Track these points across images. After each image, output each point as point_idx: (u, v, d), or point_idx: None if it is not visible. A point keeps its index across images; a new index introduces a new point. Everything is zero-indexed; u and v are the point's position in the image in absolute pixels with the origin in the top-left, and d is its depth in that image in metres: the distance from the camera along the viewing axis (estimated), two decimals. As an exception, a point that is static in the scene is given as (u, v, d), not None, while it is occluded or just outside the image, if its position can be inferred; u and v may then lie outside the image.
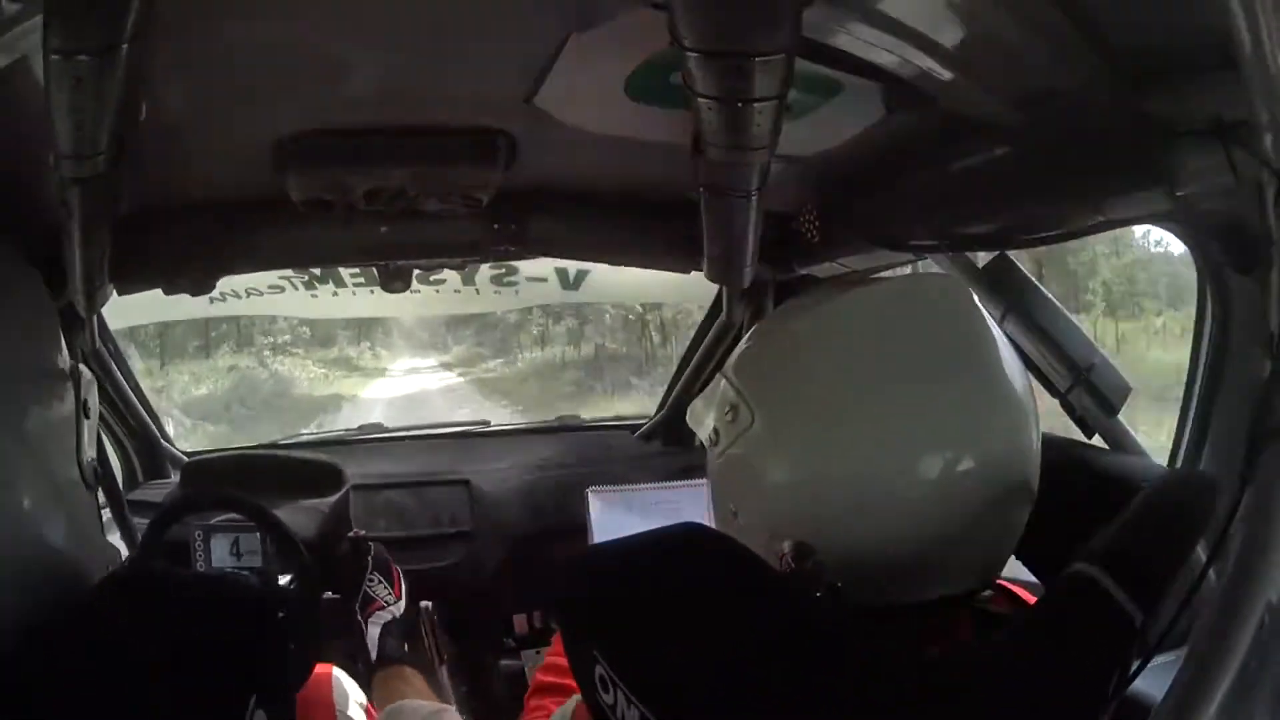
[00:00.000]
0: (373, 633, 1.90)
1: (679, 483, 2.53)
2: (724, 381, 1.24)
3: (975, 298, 1.18)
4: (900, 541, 1.08)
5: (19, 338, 1.04)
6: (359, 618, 1.91)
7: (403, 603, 1.98)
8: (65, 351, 1.10)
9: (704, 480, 1.33)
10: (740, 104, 1.30)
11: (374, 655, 1.88)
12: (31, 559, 0.99)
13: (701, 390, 1.34)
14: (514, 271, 2.80)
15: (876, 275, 1.68)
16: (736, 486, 1.21)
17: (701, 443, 1.31)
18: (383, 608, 1.94)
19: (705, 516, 1.32)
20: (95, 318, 2.38)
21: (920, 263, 1.84)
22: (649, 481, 2.76)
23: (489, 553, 2.78)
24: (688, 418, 1.33)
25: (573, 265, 2.80)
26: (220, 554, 2.21)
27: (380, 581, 1.97)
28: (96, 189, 1.41)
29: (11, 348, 1.02)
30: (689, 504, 2.46)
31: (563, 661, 1.48)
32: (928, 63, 1.31)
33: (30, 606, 0.98)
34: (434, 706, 1.66)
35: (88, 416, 1.12)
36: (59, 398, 1.06)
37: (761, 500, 1.15)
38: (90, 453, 1.13)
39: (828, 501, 1.09)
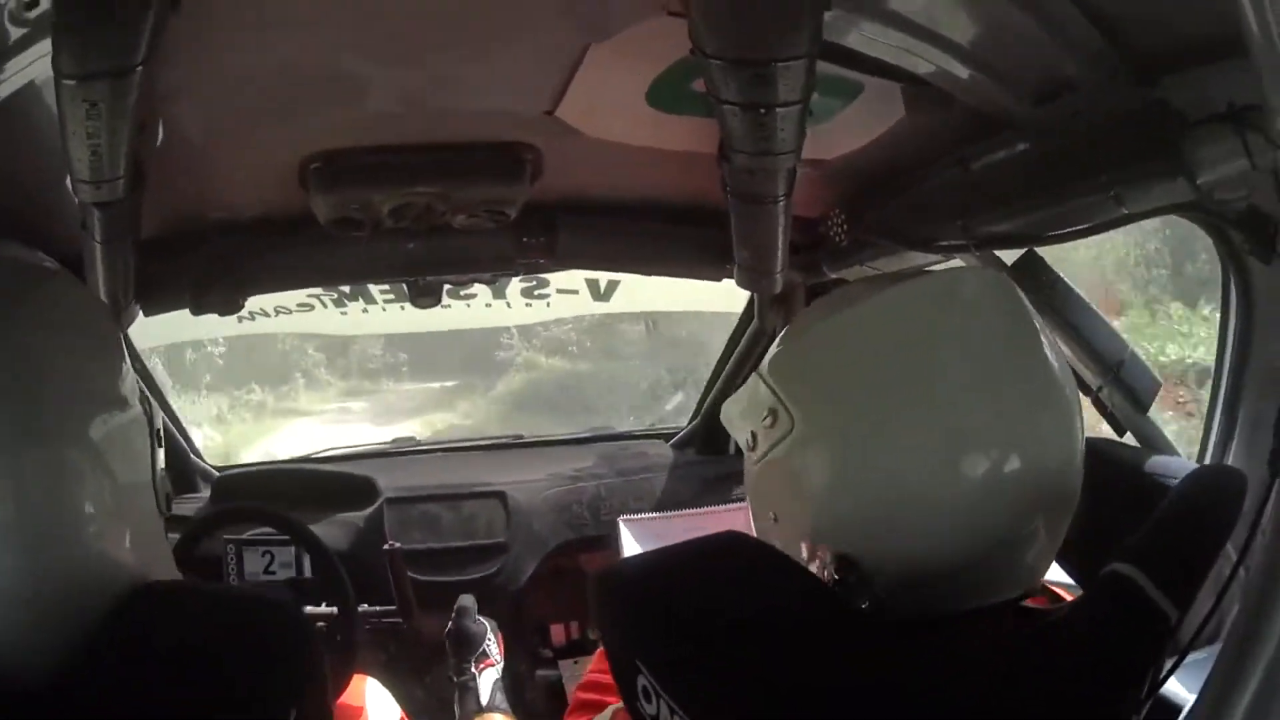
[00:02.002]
0: (485, 682, 2.04)
1: (714, 508, 2.49)
2: (760, 384, 1.18)
3: (1021, 294, 1.13)
4: (948, 549, 1.03)
5: (92, 364, 1.04)
6: (473, 669, 2.05)
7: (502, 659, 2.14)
8: (134, 378, 1.09)
9: (740, 504, 1.28)
10: (764, 110, 1.29)
11: (485, 701, 2.02)
12: (98, 575, 0.99)
13: None
14: (545, 284, 2.80)
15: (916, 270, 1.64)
16: (777, 492, 1.16)
17: (737, 449, 1.28)
18: (494, 664, 2.07)
19: None
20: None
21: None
22: (685, 490, 2.74)
23: (524, 563, 2.78)
24: (722, 417, 1.28)
25: (603, 276, 2.80)
26: (253, 567, 2.23)
27: (491, 641, 2.10)
28: (117, 212, 1.42)
29: (87, 372, 1.02)
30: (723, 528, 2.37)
31: (604, 679, 1.46)
32: (944, 60, 1.30)
33: (94, 621, 0.97)
34: None
35: (160, 445, 1.12)
36: (130, 422, 1.06)
37: (804, 506, 1.11)
38: (165, 479, 1.13)
39: (873, 507, 1.04)
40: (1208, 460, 1.56)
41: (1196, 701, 0.84)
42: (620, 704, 1.37)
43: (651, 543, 2.28)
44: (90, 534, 0.98)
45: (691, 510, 2.45)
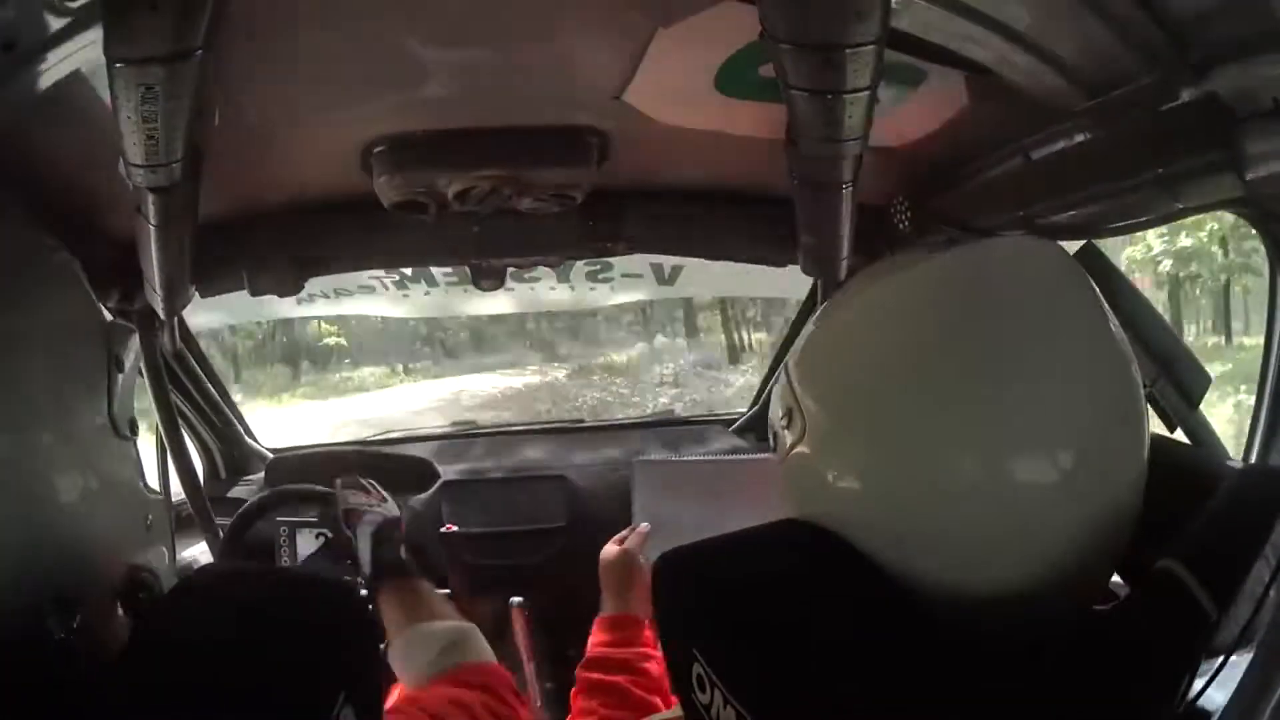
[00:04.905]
0: (364, 545, 1.70)
1: (737, 456, 2.41)
2: (784, 375, 1.06)
3: (1080, 267, 0.99)
4: (993, 572, 0.94)
5: (35, 296, 1.00)
6: (345, 532, 1.71)
7: (390, 504, 1.81)
8: (98, 309, 1.07)
9: (764, 454, 1.24)
10: (832, 96, 1.28)
11: (369, 569, 1.68)
12: (57, 513, 0.98)
13: None
14: (609, 268, 2.79)
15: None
16: (790, 498, 1.06)
17: None
18: (367, 511, 1.77)
19: (763, 494, 1.14)
20: (176, 320, 2.37)
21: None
22: None
23: (583, 548, 2.77)
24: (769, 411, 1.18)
25: (668, 260, 2.79)
26: (306, 549, 2.24)
27: (354, 492, 1.80)
28: (174, 196, 1.43)
29: (27, 307, 0.98)
30: (746, 480, 2.09)
31: (612, 653, 1.47)
32: (1005, 48, 1.29)
33: (59, 560, 0.97)
34: (451, 626, 1.55)
35: (120, 370, 1.07)
36: (88, 354, 1.04)
37: (824, 518, 1.01)
38: (126, 405, 1.09)
39: (899, 525, 0.96)
40: (1253, 459, 1.53)
41: (1227, 706, 0.83)
42: None
43: (662, 491, 2.20)
44: (45, 473, 0.96)
45: (714, 457, 2.37)
